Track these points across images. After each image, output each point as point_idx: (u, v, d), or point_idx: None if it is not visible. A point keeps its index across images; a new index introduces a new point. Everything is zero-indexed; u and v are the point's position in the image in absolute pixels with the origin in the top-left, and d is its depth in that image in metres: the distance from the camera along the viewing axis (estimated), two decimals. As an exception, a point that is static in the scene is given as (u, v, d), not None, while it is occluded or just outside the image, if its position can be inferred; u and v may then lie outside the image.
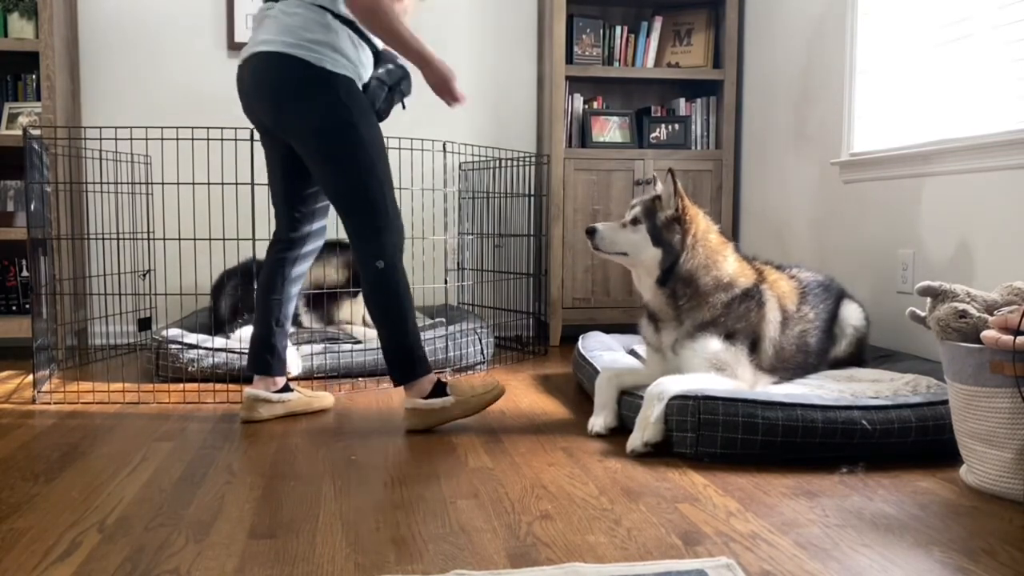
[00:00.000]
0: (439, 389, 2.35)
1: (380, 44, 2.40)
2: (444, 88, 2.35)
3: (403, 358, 2.35)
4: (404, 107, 2.46)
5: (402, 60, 2.41)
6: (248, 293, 3.06)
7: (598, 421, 2.31)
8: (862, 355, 2.68)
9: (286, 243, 2.49)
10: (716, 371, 2.22)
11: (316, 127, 2.27)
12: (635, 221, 2.37)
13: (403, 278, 2.35)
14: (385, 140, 2.39)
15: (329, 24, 2.26)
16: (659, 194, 2.38)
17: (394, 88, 2.39)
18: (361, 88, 2.34)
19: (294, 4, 2.27)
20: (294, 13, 2.26)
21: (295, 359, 2.95)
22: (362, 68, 2.34)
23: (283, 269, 2.49)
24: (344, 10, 2.28)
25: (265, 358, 2.47)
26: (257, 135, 2.50)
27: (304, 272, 2.56)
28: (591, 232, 2.40)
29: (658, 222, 2.34)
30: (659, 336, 2.38)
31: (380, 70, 2.39)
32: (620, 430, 2.23)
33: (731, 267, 2.37)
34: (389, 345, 2.36)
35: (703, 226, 2.38)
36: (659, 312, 2.38)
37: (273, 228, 2.53)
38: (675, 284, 2.32)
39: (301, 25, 2.25)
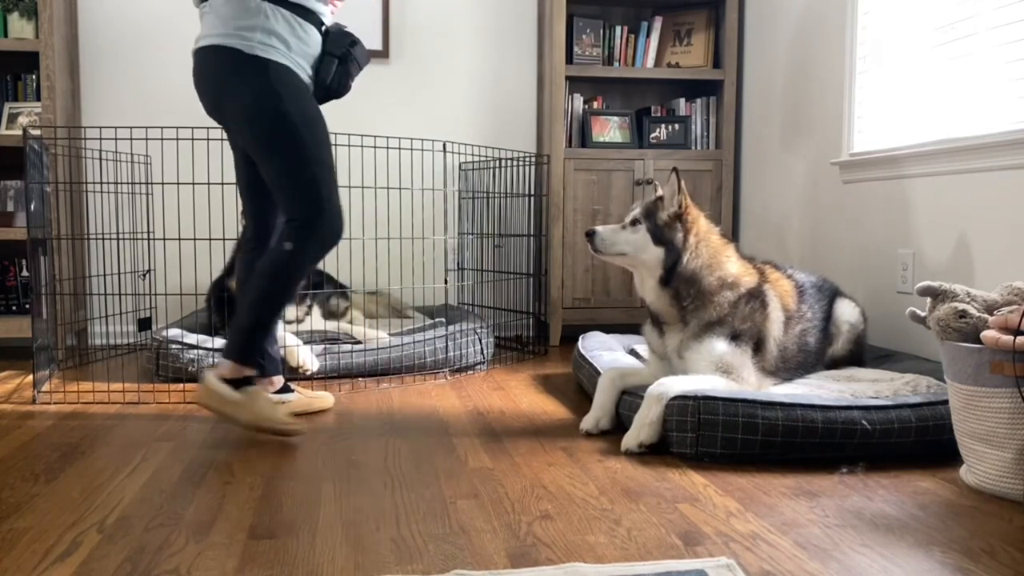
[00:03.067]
0: (240, 383, 2.24)
1: (327, 13, 2.36)
2: None
3: (246, 340, 2.27)
4: (354, 77, 2.41)
5: (348, 28, 2.38)
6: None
7: (591, 420, 2.31)
8: (860, 353, 2.68)
9: (254, 241, 2.47)
10: (721, 374, 2.21)
11: (247, 115, 2.27)
12: (635, 222, 2.37)
13: (300, 271, 2.29)
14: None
15: (257, 7, 2.23)
16: (661, 195, 2.38)
17: (345, 58, 2.35)
18: (314, 68, 2.33)
19: None
20: (223, 3, 2.25)
21: (310, 357, 2.95)
22: (304, 46, 2.30)
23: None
24: None
25: (256, 362, 2.47)
26: None
27: None
28: (590, 235, 2.40)
29: (659, 221, 2.34)
30: (664, 340, 2.38)
31: (328, 44, 2.35)
32: (619, 430, 2.23)
33: (734, 267, 2.37)
34: (244, 323, 2.28)
35: (705, 227, 2.38)
36: (663, 314, 2.37)
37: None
38: (678, 284, 2.32)
39: (232, 14, 2.24)
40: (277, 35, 2.25)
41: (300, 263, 2.28)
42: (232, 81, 2.26)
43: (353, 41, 2.38)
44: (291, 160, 2.26)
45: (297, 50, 2.28)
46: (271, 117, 2.25)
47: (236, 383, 2.25)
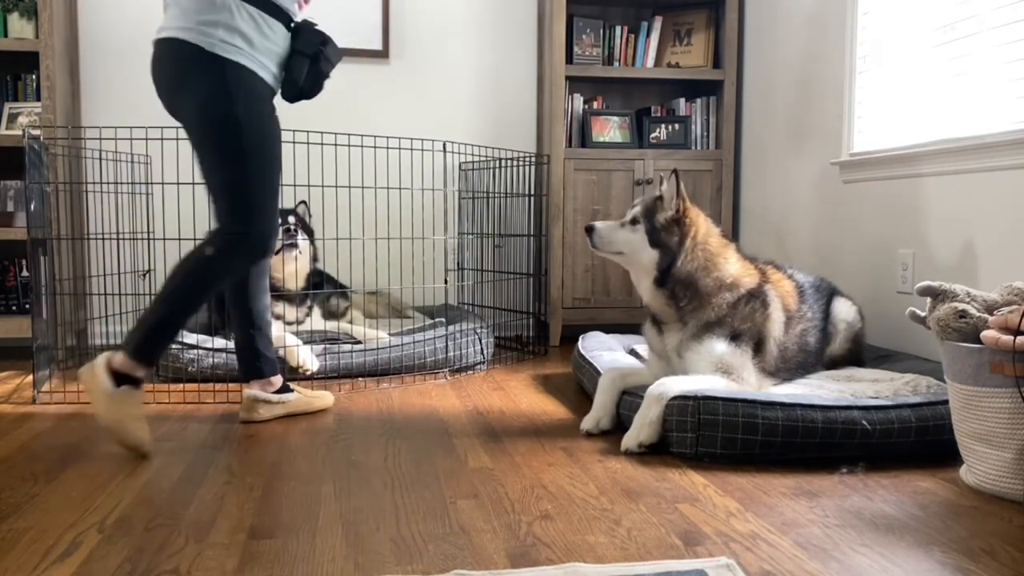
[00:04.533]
0: (135, 381, 2.13)
1: (295, 12, 2.30)
2: None
3: (147, 337, 2.15)
4: (328, 76, 2.35)
5: (320, 26, 2.33)
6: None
7: (591, 420, 2.31)
8: (859, 352, 2.68)
9: None
10: (722, 374, 2.21)
11: (197, 114, 2.21)
12: (634, 221, 2.37)
13: (218, 280, 2.23)
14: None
15: (224, 3, 2.17)
16: (661, 194, 2.38)
17: (317, 57, 2.29)
18: (284, 67, 2.28)
19: None
20: None
21: (310, 357, 2.95)
22: (270, 43, 2.24)
23: (248, 277, 2.42)
24: None
25: (252, 363, 2.46)
26: None
27: (266, 268, 2.49)
28: (590, 230, 2.40)
29: (657, 223, 2.34)
30: (663, 339, 2.38)
31: (297, 43, 2.29)
32: (619, 430, 2.23)
33: (733, 268, 2.37)
34: (155, 321, 2.16)
35: (703, 229, 2.37)
36: (661, 313, 2.37)
37: None
38: (674, 285, 2.32)
39: (196, 8, 2.18)
40: (240, 33, 2.18)
41: (219, 272, 2.21)
42: (188, 78, 2.19)
43: (324, 40, 2.32)
44: (231, 169, 2.20)
45: (261, 48, 2.22)
46: (220, 121, 2.18)
47: (121, 378, 2.10)
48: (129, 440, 2.09)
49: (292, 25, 2.30)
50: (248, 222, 2.21)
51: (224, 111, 2.18)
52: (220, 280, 2.26)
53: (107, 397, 2.07)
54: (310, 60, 2.29)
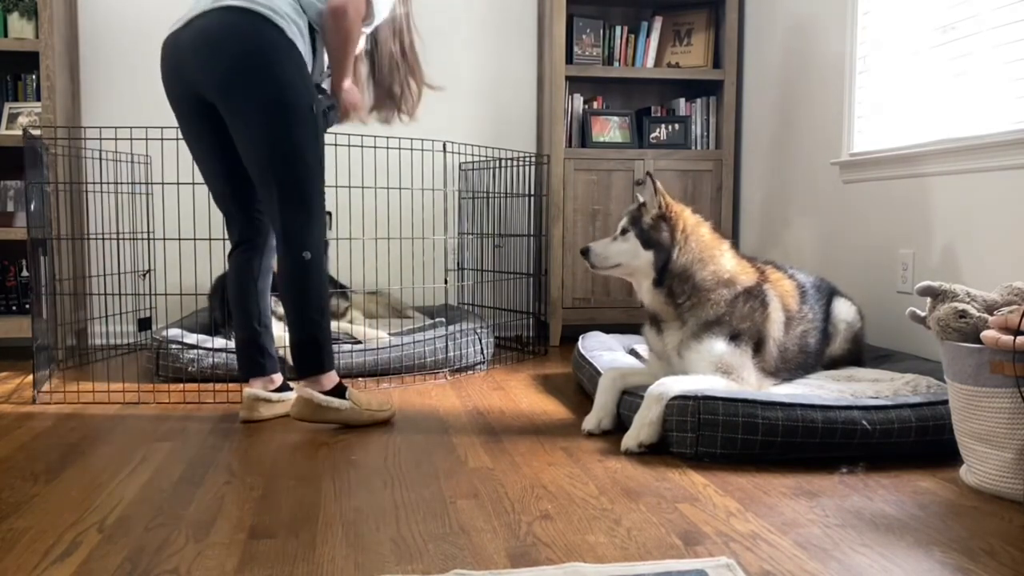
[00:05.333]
0: (340, 390, 2.34)
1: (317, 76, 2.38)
2: (355, 107, 2.44)
3: (314, 351, 2.32)
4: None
5: (328, 90, 2.41)
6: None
7: (592, 420, 2.31)
8: (858, 352, 2.68)
9: (249, 246, 2.45)
10: (722, 374, 2.21)
11: (277, 99, 2.17)
12: (624, 231, 2.39)
13: (325, 272, 2.35)
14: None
15: (300, 11, 2.24)
16: (644, 202, 2.39)
17: (325, 115, 2.35)
18: None
19: None
20: None
21: None
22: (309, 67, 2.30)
23: (252, 272, 2.45)
24: (313, 15, 2.26)
25: (256, 360, 2.47)
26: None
27: (271, 266, 2.52)
28: (585, 252, 2.43)
29: (645, 225, 2.35)
30: (663, 339, 2.38)
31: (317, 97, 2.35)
32: (620, 430, 2.23)
33: (728, 263, 2.37)
34: (302, 337, 2.31)
35: (691, 221, 2.39)
36: (660, 312, 2.37)
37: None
38: (671, 281, 2.32)
39: None
40: (300, 32, 2.24)
41: (319, 258, 2.30)
42: (268, 56, 2.15)
43: (333, 105, 2.40)
44: (306, 158, 2.24)
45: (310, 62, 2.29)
46: (299, 110, 2.21)
47: (335, 391, 2.33)
48: (377, 420, 2.37)
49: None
50: (319, 208, 2.30)
51: (304, 101, 2.22)
52: (325, 272, 2.35)
53: (342, 412, 2.31)
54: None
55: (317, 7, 2.27)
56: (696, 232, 2.36)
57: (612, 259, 2.40)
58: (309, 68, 2.30)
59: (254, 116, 2.20)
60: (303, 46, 2.25)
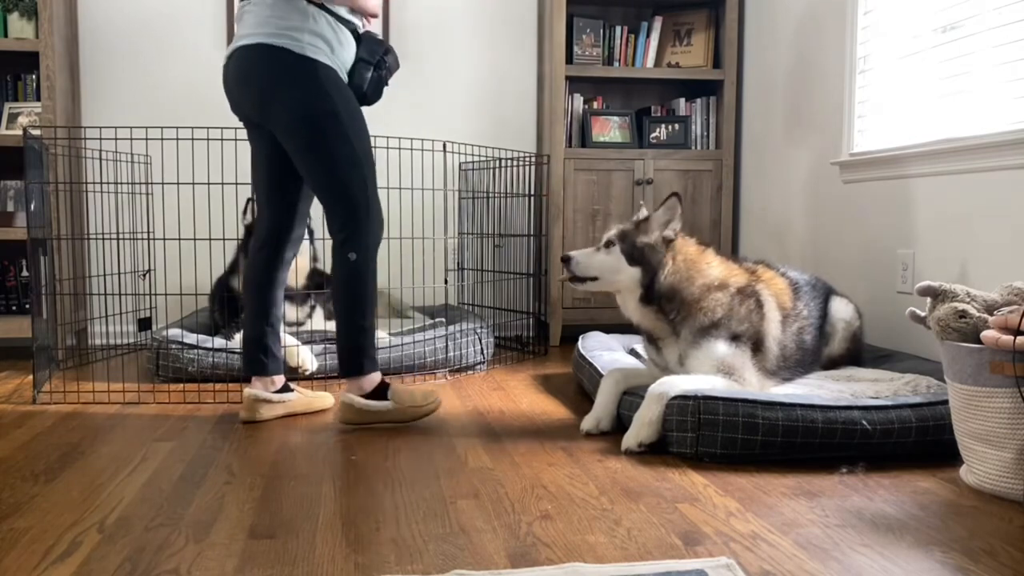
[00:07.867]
0: (381, 391, 2.37)
1: (360, 26, 2.40)
2: (377, 9, 2.44)
3: (357, 354, 2.37)
4: (387, 84, 2.45)
5: (380, 36, 2.41)
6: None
7: (591, 421, 2.31)
8: (857, 351, 2.68)
9: (273, 245, 2.47)
10: (723, 375, 2.21)
11: (300, 115, 2.28)
12: (608, 244, 2.36)
13: (373, 274, 2.37)
14: (371, 134, 2.39)
15: (305, 9, 2.27)
16: (646, 217, 2.37)
17: (379, 65, 2.38)
18: (348, 73, 2.35)
19: None
20: (270, 4, 2.28)
21: (309, 357, 2.96)
22: (343, 51, 2.34)
23: (272, 271, 2.48)
24: None
25: (260, 359, 2.47)
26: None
27: (291, 257, 2.54)
28: (566, 260, 2.37)
29: (637, 243, 2.32)
30: (663, 355, 2.37)
31: (362, 51, 2.38)
32: (620, 430, 2.23)
33: (715, 271, 2.35)
34: (347, 339, 2.37)
35: (681, 241, 2.37)
36: (653, 330, 2.36)
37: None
38: (659, 300, 2.31)
39: (278, 15, 2.27)
40: (323, 38, 2.28)
41: (367, 260, 2.35)
42: (283, 81, 2.27)
43: (387, 49, 2.42)
44: (342, 162, 2.30)
45: (338, 54, 2.32)
46: (324, 119, 2.27)
47: (376, 392, 2.36)
48: (422, 414, 2.40)
49: (358, 34, 2.39)
50: (367, 209, 2.35)
51: (326, 110, 2.27)
52: (373, 274, 2.38)
53: (388, 410, 2.35)
54: (373, 67, 2.38)
55: None
56: (683, 250, 2.35)
57: (591, 271, 2.35)
58: (345, 54, 2.33)
59: (289, 141, 2.34)
60: (323, 46, 2.28)
